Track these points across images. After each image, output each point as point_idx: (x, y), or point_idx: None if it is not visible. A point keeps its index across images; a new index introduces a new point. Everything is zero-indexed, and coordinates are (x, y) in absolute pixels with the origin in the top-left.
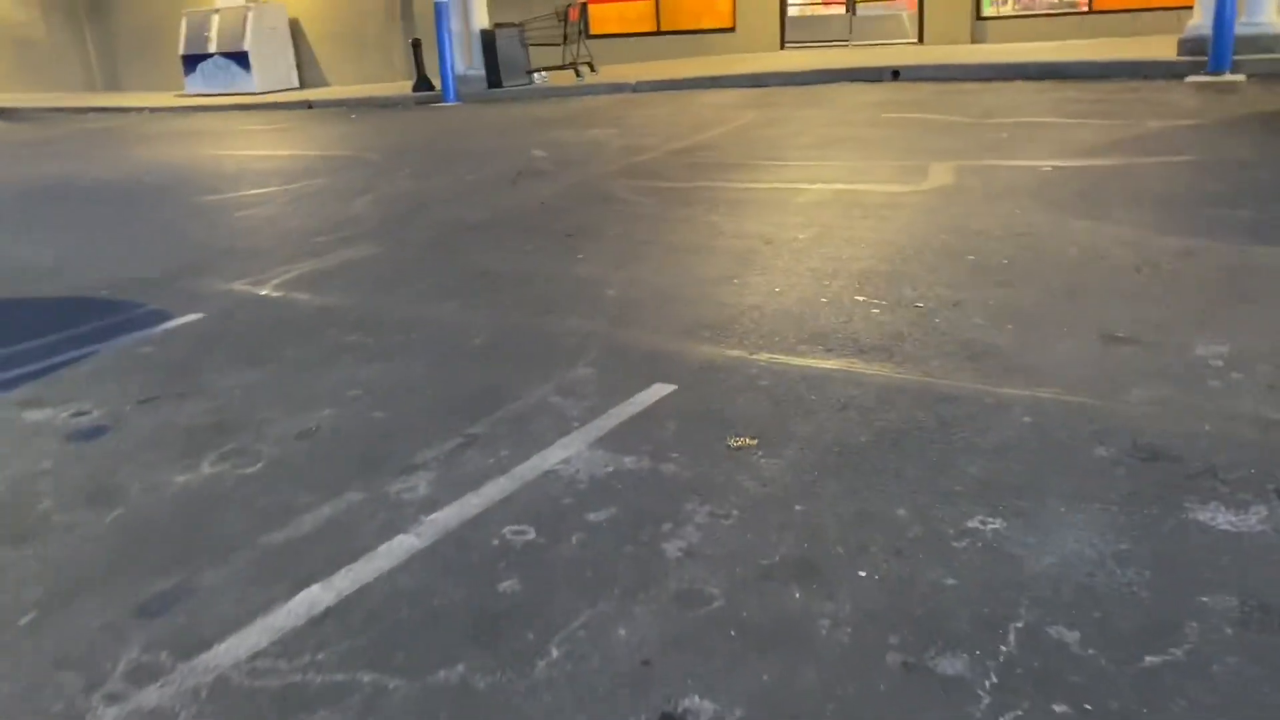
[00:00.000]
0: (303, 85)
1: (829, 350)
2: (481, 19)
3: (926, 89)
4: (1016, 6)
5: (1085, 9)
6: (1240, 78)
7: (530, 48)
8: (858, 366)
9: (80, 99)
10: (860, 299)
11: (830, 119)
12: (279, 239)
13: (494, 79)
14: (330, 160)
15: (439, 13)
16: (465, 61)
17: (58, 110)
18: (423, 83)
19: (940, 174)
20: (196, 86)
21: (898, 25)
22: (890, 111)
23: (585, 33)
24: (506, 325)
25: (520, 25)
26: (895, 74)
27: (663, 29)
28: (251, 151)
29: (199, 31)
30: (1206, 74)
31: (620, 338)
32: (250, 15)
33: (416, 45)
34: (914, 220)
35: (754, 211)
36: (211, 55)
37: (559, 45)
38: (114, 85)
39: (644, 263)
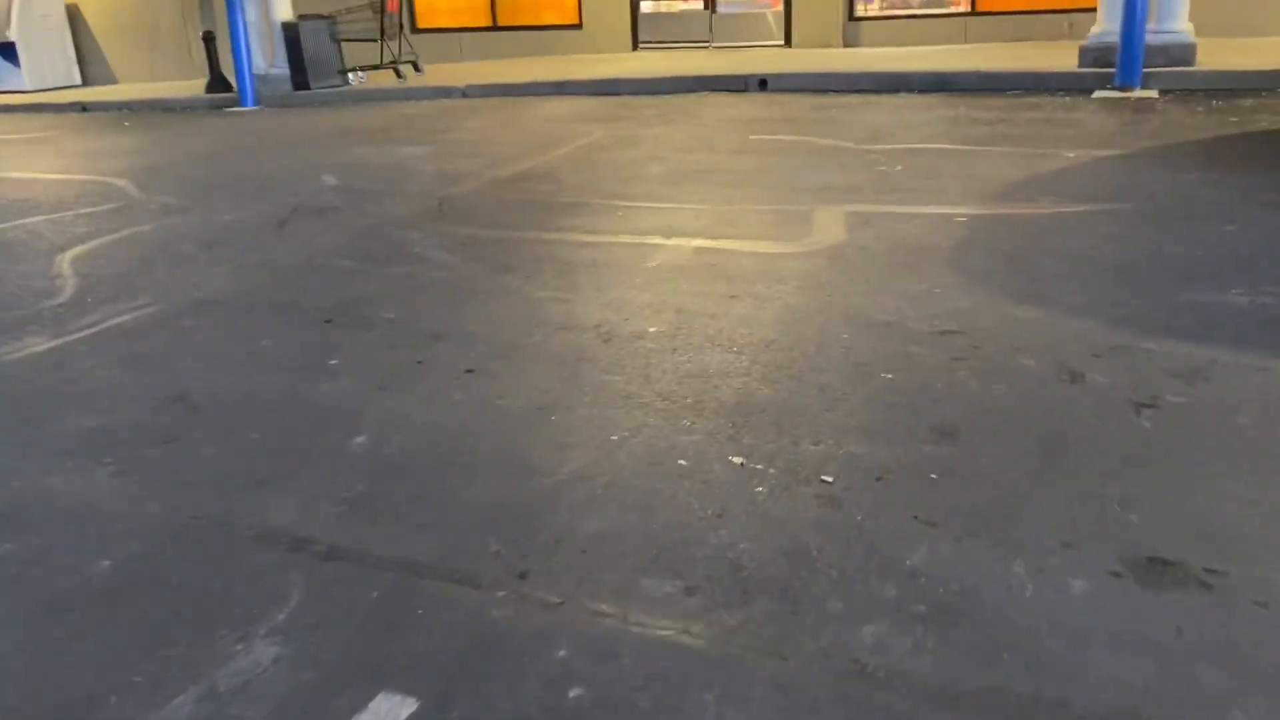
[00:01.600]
0: (87, 82)
1: (690, 591)
2: (285, 10)
3: (800, 102)
4: (884, 5)
5: (968, 9)
6: (1153, 93)
7: (345, 44)
8: (739, 644)
9: None
10: (737, 460)
11: (690, 140)
12: None
13: (299, 80)
14: (68, 188)
15: (230, 1)
16: (267, 59)
17: None
18: (218, 83)
19: (828, 225)
20: None
21: (763, 26)
22: (760, 131)
23: (408, 27)
24: (175, 519)
25: (330, 17)
26: (763, 83)
27: (500, 24)
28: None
29: None
30: (1114, 88)
31: (348, 554)
32: (16, 2)
33: (209, 39)
34: (801, 302)
35: (591, 281)
36: None
37: (377, 41)
38: None
39: (423, 377)
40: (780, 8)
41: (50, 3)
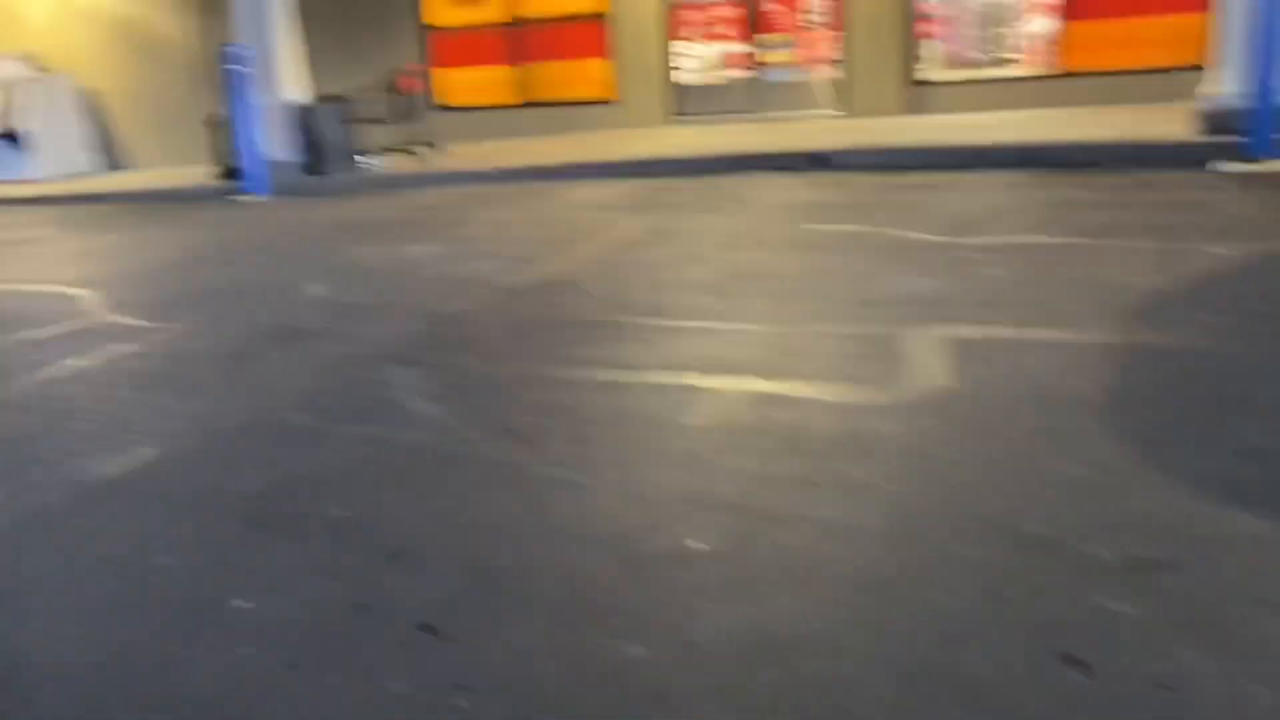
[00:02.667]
0: (107, 169)
1: None
2: (295, 91)
3: (863, 183)
4: (945, 68)
5: (1049, 71)
6: None
7: (362, 125)
8: None
9: None
10: None
11: (737, 232)
12: None
13: (312, 166)
14: (23, 303)
15: (234, 84)
16: (278, 144)
17: None
18: (227, 170)
19: (923, 358)
20: None
21: (814, 94)
22: (820, 220)
23: (423, 106)
24: None
25: (342, 99)
26: (818, 160)
27: (528, 100)
28: None
29: None
30: (1238, 160)
31: None
32: (27, 89)
33: (214, 124)
34: (909, 494)
35: (612, 451)
36: None
37: (395, 123)
38: None
39: (359, 640)
40: (833, 73)
41: (62, 89)
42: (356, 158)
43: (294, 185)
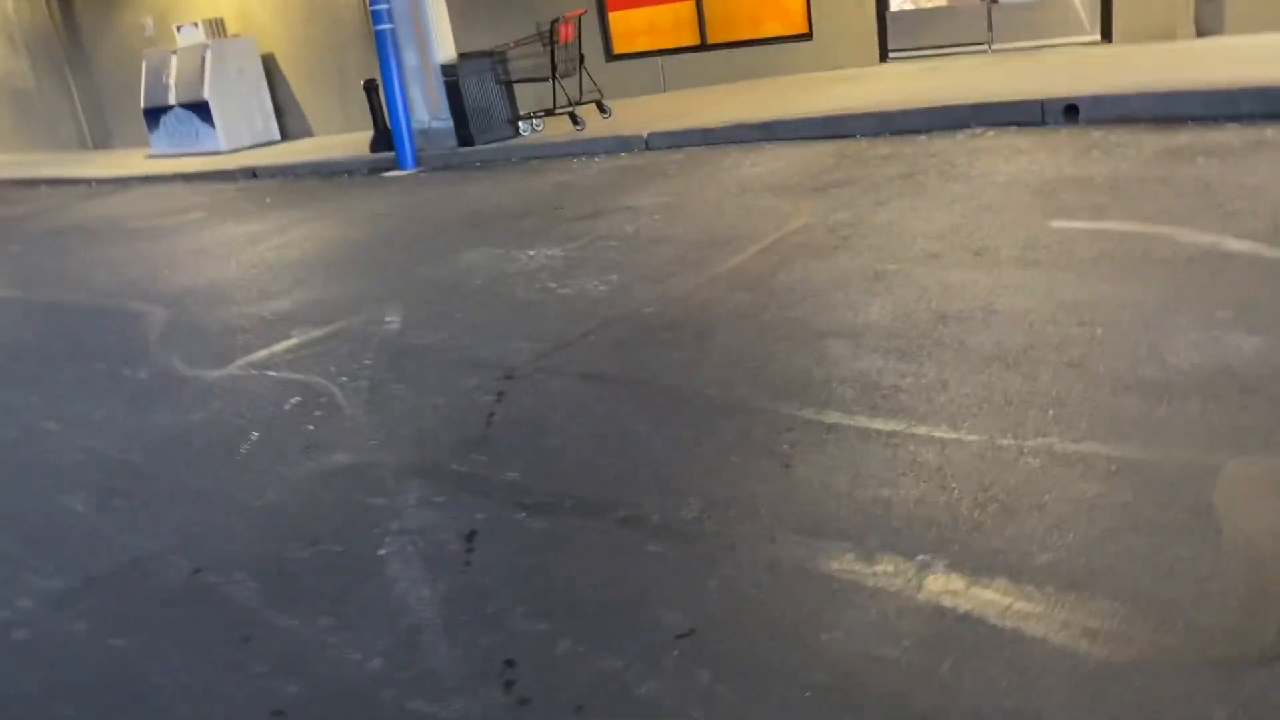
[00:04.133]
0: (285, 136)
1: None
2: (448, 49)
3: (1135, 145)
4: None
5: None
6: None
7: (519, 84)
8: None
9: (54, 162)
10: None
11: (948, 232)
12: None
13: (463, 134)
14: (80, 324)
15: (381, 44)
16: (431, 109)
17: (10, 182)
18: (381, 139)
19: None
20: (161, 146)
21: (1066, 17)
22: (1069, 210)
23: (602, 55)
24: None
25: (495, 55)
26: (1071, 110)
27: (710, 42)
28: (26, 296)
29: (158, 78)
30: None
31: None
32: (209, 56)
33: (371, 89)
34: None
35: None
36: (172, 107)
37: (556, 79)
38: (104, 142)
39: None
40: None
41: (244, 55)
42: (512, 123)
43: (445, 155)
